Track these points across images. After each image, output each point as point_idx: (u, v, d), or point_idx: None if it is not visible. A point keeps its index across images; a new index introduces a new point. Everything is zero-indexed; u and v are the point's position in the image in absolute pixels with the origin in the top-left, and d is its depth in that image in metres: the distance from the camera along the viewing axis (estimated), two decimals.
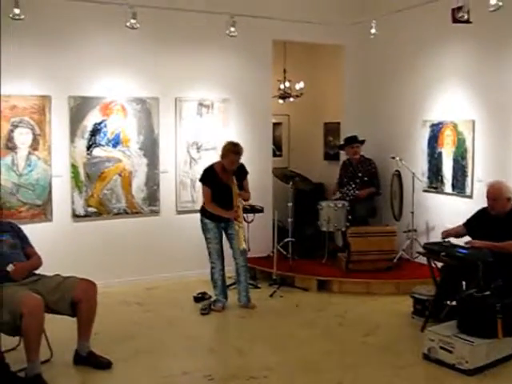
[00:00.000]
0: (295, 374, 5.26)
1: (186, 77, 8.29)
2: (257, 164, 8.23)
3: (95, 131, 7.73)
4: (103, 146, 7.79)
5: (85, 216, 7.74)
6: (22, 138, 7.29)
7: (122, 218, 7.99)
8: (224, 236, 7.13)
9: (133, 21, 7.11)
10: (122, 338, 6.04)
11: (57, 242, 7.39)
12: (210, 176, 6.94)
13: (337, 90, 10.01)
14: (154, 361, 5.50)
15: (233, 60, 8.57)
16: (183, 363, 5.45)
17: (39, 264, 5.45)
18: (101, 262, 7.67)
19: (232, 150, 6.86)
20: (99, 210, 7.83)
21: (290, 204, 8.19)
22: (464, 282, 6.07)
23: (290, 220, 8.22)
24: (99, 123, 7.75)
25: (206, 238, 7.02)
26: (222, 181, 6.89)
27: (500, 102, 7.27)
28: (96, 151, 7.76)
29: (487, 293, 5.46)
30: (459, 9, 6.70)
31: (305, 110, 11.18)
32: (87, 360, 5.28)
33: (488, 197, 6.18)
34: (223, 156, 6.90)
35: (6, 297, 4.85)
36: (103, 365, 5.26)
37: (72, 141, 7.60)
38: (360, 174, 8.78)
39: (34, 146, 7.37)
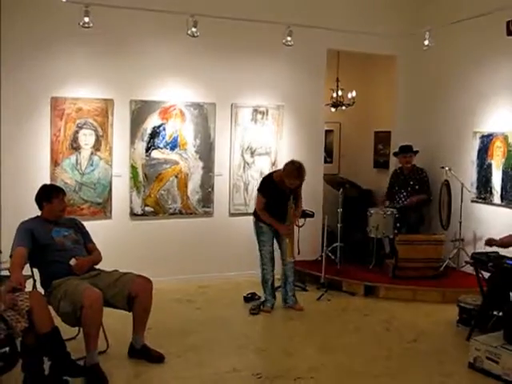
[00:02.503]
0: (341, 376, 5.23)
1: (242, 84, 8.34)
2: (308, 170, 8.12)
3: (154, 134, 7.83)
4: (161, 148, 7.89)
5: (142, 215, 7.84)
6: (86, 138, 7.45)
7: (177, 218, 8.08)
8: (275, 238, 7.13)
9: (194, 29, 7.16)
10: (174, 334, 6.11)
11: (115, 239, 7.49)
12: (267, 185, 6.92)
13: (388, 100, 9.94)
14: (204, 357, 5.54)
15: (288, 68, 8.59)
16: (232, 361, 5.47)
17: (99, 259, 5.56)
18: (156, 259, 7.75)
19: (295, 175, 6.69)
20: (156, 210, 7.93)
21: (339, 210, 8.14)
22: (511, 293, 5.96)
23: (339, 225, 8.17)
24: (158, 126, 7.85)
25: (260, 241, 7.03)
26: (280, 189, 6.86)
27: None
28: (154, 153, 7.86)
29: None
30: None
31: (356, 119, 11.11)
32: (141, 353, 5.36)
33: None
34: (284, 176, 6.73)
35: (68, 289, 4.97)
36: (156, 358, 5.33)
37: (132, 142, 7.72)
38: (411, 183, 8.70)
39: (97, 146, 7.51)
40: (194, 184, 8.11)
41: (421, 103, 9.35)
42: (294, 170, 6.72)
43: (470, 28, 7.96)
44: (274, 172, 7.14)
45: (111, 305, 5.24)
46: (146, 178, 7.82)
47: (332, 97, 10.44)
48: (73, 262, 5.23)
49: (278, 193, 6.86)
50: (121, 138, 7.67)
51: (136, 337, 5.38)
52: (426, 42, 7.74)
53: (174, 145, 7.96)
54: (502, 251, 6.31)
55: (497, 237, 6.59)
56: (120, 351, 5.46)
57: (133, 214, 7.79)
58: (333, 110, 10.55)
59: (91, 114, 7.44)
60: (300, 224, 7.58)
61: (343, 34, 8.65)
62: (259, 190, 7.01)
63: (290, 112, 8.66)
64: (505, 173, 7.83)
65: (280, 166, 7.87)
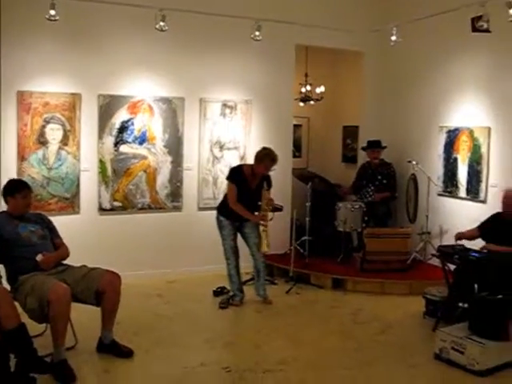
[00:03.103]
0: (309, 368, 5.24)
1: (210, 78, 8.30)
2: (277, 164, 8.17)
3: (122, 129, 7.75)
4: (130, 143, 7.82)
5: (110, 210, 7.77)
6: (53, 133, 7.34)
7: (146, 212, 8.01)
8: (239, 234, 7.13)
9: (162, 23, 7.13)
10: (143, 329, 6.07)
11: (83, 234, 7.41)
12: (237, 176, 6.91)
13: (356, 95, 9.98)
14: (173, 352, 5.51)
15: (256, 63, 8.57)
16: (202, 355, 5.45)
17: (67, 255, 5.48)
18: (124, 254, 7.68)
19: (270, 156, 6.81)
20: (124, 205, 7.86)
21: (308, 204, 8.16)
22: (476, 285, 6.02)
23: (307, 219, 8.19)
24: (127, 121, 7.78)
25: (221, 235, 7.03)
26: (249, 184, 6.88)
27: None
28: (123, 148, 7.78)
29: (499, 296, 5.41)
30: (479, 18, 6.66)
31: (324, 113, 11.14)
32: (110, 348, 5.31)
33: (504, 202, 6.13)
34: (259, 161, 6.82)
35: (34, 285, 4.90)
36: (125, 353, 5.29)
37: (100, 137, 7.63)
38: (379, 177, 8.75)
39: (64, 141, 7.41)
40: (162, 178, 8.05)
41: (388, 98, 9.40)
42: (269, 153, 6.84)
43: (436, 24, 8.02)
44: (244, 165, 7.13)
45: (79, 300, 5.18)
46: (114, 172, 7.75)
47: (301, 92, 10.44)
48: (39, 257, 5.15)
49: (247, 187, 6.86)
50: (89, 133, 7.58)
51: (105, 332, 5.33)
52: (394, 38, 7.79)
53: (142, 139, 7.89)
54: (468, 244, 6.38)
55: (463, 230, 6.69)
56: (88, 347, 5.40)
57: (101, 209, 7.71)
58: (301, 104, 10.55)
59: (59, 109, 7.34)
60: (269, 218, 7.55)
61: (312, 29, 8.67)
62: (229, 177, 6.96)
63: (259, 107, 8.65)
64: (470, 167, 7.90)
65: (249, 160, 7.91)
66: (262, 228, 6.87)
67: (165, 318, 6.48)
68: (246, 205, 6.83)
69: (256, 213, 6.92)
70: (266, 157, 6.83)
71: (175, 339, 5.85)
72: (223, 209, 7.01)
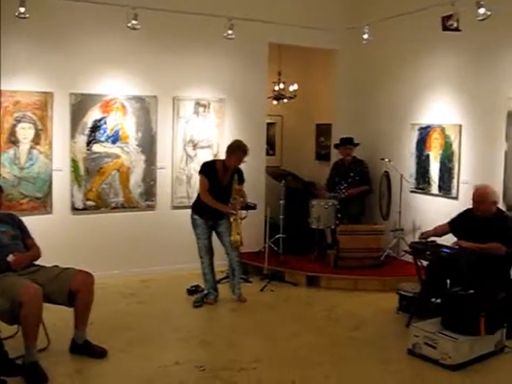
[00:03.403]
0: (284, 366, 5.24)
1: (183, 77, 8.26)
2: (250, 162, 8.12)
3: (95, 128, 7.68)
4: (103, 142, 7.75)
5: (83, 209, 7.70)
6: (25, 132, 7.25)
7: (120, 212, 7.95)
8: (214, 233, 7.11)
9: (134, 22, 7.07)
10: (116, 329, 6.01)
11: (56, 234, 7.34)
12: (209, 169, 6.89)
13: (329, 93, 9.99)
14: (147, 351, 5.47)
15: (229, 61, 8.55)
16: (176, 354, 5.43)
17: (38, 255, 5.41)
18: (98, 254, 7.63)
19: (241, 147, 6.83)
20: (97, 204, 7.79)
21: (281, 201, 8.18)
22: (448, 281, 6.06)
23: (281, 217, 8.20)
24: (99, 120, 7.71)
25: (196, 234, 6.99)
26: (220, 179, 6.87)
27: (486, 108, 7.29)
28: (95, 147, 7.71)
29: (471, 291, 5.46)
30: (449, 17, 6.72)
31: (298, 111, 11.15)
32: (83, 349, 5.25)
33: (474, 199, 6.16)
34: (231, 152, 6.83)
35: (5, 286, 4.83)
36: (98, 354, 5.23)
37: (72, 136, 7.56)
38: (352, 174, 8.77)
39: (36, 140, 7.32)
40: (136, 177, 8.00)
41: (361, 96, 9.43)
42: (240, 144, 6.87)
43: (407, 23, 8.04)
44: (216, 160, 7.12)
45: (51, 301, 5.11)
46: (87, 171, 7.67)
47: (274, 90, 10.44)
48: (10, 258, 5.08)
49: (219, 182, 6.85)
50: (61, 132, 7.49)
51: (78, 332, 5.27)
52: (366, 36, 7.82)
53: (115, 138, 7.83)
54: (439, 240, 6.41)
55: (434, 226, 6.72)
56: (61, 348, 5.32)
57: (74, 209, 7.64)
58: (275, 102, 10.56)
59: (30, 108, 7.25)
60: (242, 216, 7.54)
61: (284, 27, 8.66)
62: (201, 171, 6.92)
63: (232, 105, 8.63)
64: (442, 164, 7.97)
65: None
66: (232, 218, 6.85)
67: (139, 318, 6.43)
68: (218, 199, 6.81)
69: None
70: (237, 148, 6.83)
71: (149, 338, 5.80)
72: (197, 207, 6.98)
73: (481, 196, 6.10)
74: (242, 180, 6.99)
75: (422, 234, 6.53)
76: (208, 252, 7.02)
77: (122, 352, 5.40)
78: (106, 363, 5.17)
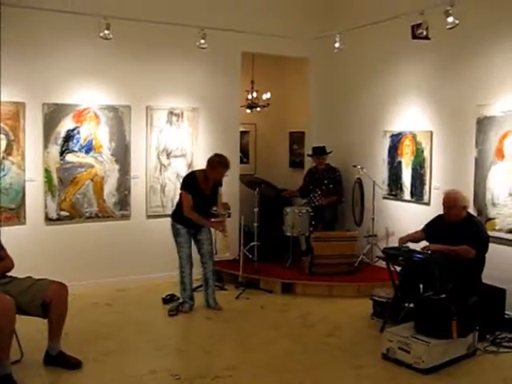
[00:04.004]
0: (259, 373, 5.23)
1: (157, 86, 8.25)
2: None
3: (68, 137, 7.62)
4: (76, 152, 7.69)
5: (57, 219, 7.63)
6: None
7: (94, 221, 7.89)
8: (193, 241, 7.09)
9: (106, 31, 7.08)
10: (91, 339, 5.95)
11: (30, 245, 7.26)
12: (191, 184, 6.87)
13: (302, 101, 10.04)
14: (122, 361, 5.44)
15: (203, 71, 8.55)
16: (151, 363, 5.39)
17: (11, 266, 5.32)
18: (72, 264, 7.57)
19: (223, 163, 6.85)
20: (71, 214, 7.72)
21: (256, 209, 8.19)
22: (421, 285, 6.10)
23: (255, 225, 8.21)
24: (72, 130, 7.65)
25: (178, 243, 6.95)
26: (203, 189, 6.86)
27: (456, 115, 7.37)
28: (69, 157, 7.65)
29: (443, 296, 5.50)
30: (418, 26, 6.79)
31: (271, 120, 11.19)
32: (57, 360, 5.19)
33: (444, 205, 6.22)
34: (212, 168, 6.83)
35: None
36: (73, 365, 5.18)
37: (45, 146, 7.49)
38: (325, 182, 8.80)
39: (8, 151, 7.24)
40: (110, 187, 7.95)
41: (333, 104, 9.49)
42: (221, 160, 6.87)
43: (378, 31, 8.13)
44: (196, 171, 7.11)
45: (25, 312, 5.03)
46: (60, 182, 7.61)
47: (247, 98, 10.47)
48: None
49: (201, 193, 6.84)
50: (33, 142, 7.42)
51: (52, 343, 5.21)
52: (337, 45, 7.87)
53: (88, 148, 7.78)
54: (412, 245, 6.46)
55: (408, 231, 6.77)
56: (35, 359, 5.25)
57: (48, 219, 7.57)
58: (248, 111, 10.58)
59: (1, 118, 7.16)
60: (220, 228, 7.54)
61: (257, 36, 8.71)
62: (183, 187, 6.91)
63: (206, 114, 8.63)
64: (414, 170, 8.03)
65: (197, 167, 7.91)
66: (223, 234, 6.91)
67: (114, 327, 6.38)
68: (201, 210, 6.82)
69: (212, 219, 6.97)
70: (219, 164, 6.84)
71: (125, 348, 5.76)
72: (179, 217, 6.94)
73: (451, 201, 6.16)
74: (220, 183, 7.02)
75: (401, 239, 6.57)
76: (189, 261, 7.00)
77: (96, 362, 5.36)
78: (80, 374, 5.11)
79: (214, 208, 6.99)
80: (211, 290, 7.13)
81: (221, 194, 6.96)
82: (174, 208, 7.22)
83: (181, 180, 7.37)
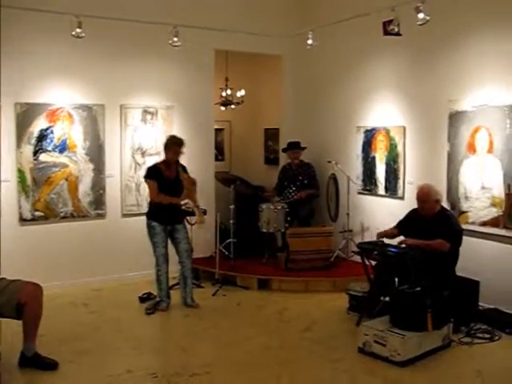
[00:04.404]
0: (236, 369, 5.22)
1: (130, 85, 8.18)
2: (199, 168, 8.18)
3: (42, 137, 7.53)
4: (50, 151, 7.60)
5: (32, 220, 7.54)
6: None
7: (69, 221, 7.81)
8: (170, 240, 7.06)
9: (78, 30, 7.02)
10: (67, 339, 5.89)
11: (4, 246, 7.10)
12: (154, 172, 6.87)
13: (276, 98, 10.02)
14: (99, 360, 5.39)
15: (176, 68, 8.50)
16: (128, 362, 5.35)
17: None
18: (48, 264, 7.49)
19: (176, 141, 6.93)
20: (46, 214, 7.64)
21: (231, 206, 8.17)
22: (396, 279, 6.13)
23: (231, 222, 8.18)
24: (46, 129, 7.56)
25: (154, 243, 6.91)
26: (167, 176, 6.86)
27: (428, 110, 7.41)
28: (42, 156, 7.56)
29: (418, 289, 5.53)
30: (390, 22, 6.81)
31: (246, 117, 11.16)
32: (33, 362, 5.12)
33: (417, 199, 6.26)
34: (167, 148, 6.90)
35: None
36: (49, 366, 5.12)
37: (18, 146, 7.40)
38: (300, 177, 8.81)
39: None
40: (84, 186, 7.88)
41: (307, 100, 9.49)
42: (172, 139, 7.01)
43: (350, 28, 8.17)
44: (157, 162, 7.11)
45: None
46: (34, 181, 7.51)
47: (221, 96, 10.41)
48: None
49: (167, 180, 6.84)
50: (6, 142, 7.32)
51: (27, 345, 5.14)
52: (310, 42, 7.89)
53: (62, 147, 7.70)
54: (387, 239, 6.48)
55: (383, 226, 6.81)
56: (10, 362, 5.17)
57: (22, 220, 7.47)
58: (222, 108, 10.53)
59: None
60: (192, 222, 7.52)
61: (230, 34, 8.69)
62: (146, 176, 6.92)
63: (180, 112, 8.58)
64: (388, 165, 8.06)
65: None
66: (192, 206, 6.97)
67: (90, 327, 6.32)
68: (171, 196, 6.83)
69: (187, 217, 7.11)
70: (173, 143, 6.91)
71: (101, 348, 5.72)
72: (153, 213, 6.91)
73: (424, 195, 6.20)
74: (185, 170, 7.04)
75: (378, 234, 6.58)
76: (165, 260, 6.97)
77: (73, 363, 5.30)
78: (56, 375, 5.06)
79: (184, 202, 7.01)
80: (189, 288, 7.11)
81: (187, 178, 6.98)
82: (148, 207, 7.16)
83: None
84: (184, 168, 7.04)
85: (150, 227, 6.91)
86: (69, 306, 7.08)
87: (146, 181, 6.96)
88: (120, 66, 8.06)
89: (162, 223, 6.87)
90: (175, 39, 7.66)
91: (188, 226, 7.18)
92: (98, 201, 7.99)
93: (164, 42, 7.72)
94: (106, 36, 7.82)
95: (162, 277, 6.96)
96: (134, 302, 7.22)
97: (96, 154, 7.93)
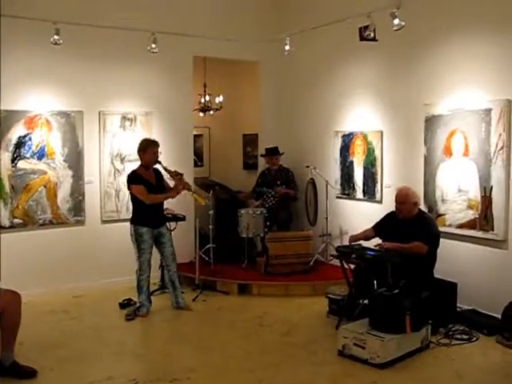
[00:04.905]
0: (217, 374, 5.20)
1: (109, 91, 8.13)
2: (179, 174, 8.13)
3: (20, 144, 7.45)
4: (28, 158, 7.52)
5: (10, 227, 7.43)
6: None
7: (48, 228, 7.73)
8: (155, 245, 7.05)
9: (56, 37, 6.98)
10: (47, 347, 5.82)
11: None
12: (136, 178, 6.84)
13: (254, 103, 10.03)
14: (79, 368, 5.33)
15: (155, 75, 8.46)
16: (108, 369, 5.29)
17: None
18: (28, 272, 7.38)
19: (150, 142, 6.98)
20: (25, 221, 7.55)
21: (210, 212, 8.14)
22: (375, 282, 6.14)
23: (210, 227, 8.16)
24: (24, 136, 7.48)
25: (140, 249, 6.84)
26: (149, 181, 6.85)
27: (405, 114, 7.45)
28: (21, 163, 7.48)
29: (396, 291, 5.54)
30: (366, 28, 6.83)
31: (224, 123, 11.16)
32: (11, 371, 5.02)
33: (396, 201, 6.29)
34: (144, 151, 6.91)
35: None
36: (28, 374, 5.03)
37: None
38: (279, 182, 8.82)
39: None
40: (63, 193, 7.80)
41: (285, 106, 9.51)
42: (146, 141, 7.07)
43: (327, 33, 8.19)
44: (134, 169, 7.05)
45: None
46: (13, 189, 7.42)
47: (200, 102, 10.41)
48: None
49: (148, 183, 6.83)
50: None
51: (5, 354, 5.05)
52: (287, 48, 7.88)
53: (41, 154, 7.62)
54: (365, 243, 6.50)
55: (361, 230, 6.82)
56: None
57: (0, 227, 7.36)
58: (201, 114, 10.53)
59: None
60: (172, 228, 7.49)
61: (208, 40, 8.66)
62: (130, 181, 6.87)
63: (159, 118, 8.54)
64: (366, 169, 8.08)
65: None
66: (189, 192, 7.06)
67: (71, 334, 6.26)
68: (156, 203, 6.85)
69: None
70: (149, 144, 6.95)
71: (82, 355, 5.65)
72: (139, 217, 6.86)
73: (402, 197, 6.24)
74: (161, 176, 7.08)
75: (351, 237, 6.61)
76: (149, 266, 6.95)
77: (52, 371, 5.23)
78: (35, 383, 4.99)
79: (166, 207, 7.11)
80: (178, 290, 7.12)
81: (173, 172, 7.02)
82: (131, 214, 7.09)
83: None
84: (161, 174, 7.05)
85: (137, 234, 6.84)
86: (48, 313, 6.99)
87: (130, 187, 6.89)
88: (98, 72, 8.00)
89: (150, 227, 6.84)
90: (153, 46, 7.64)
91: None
92: (77, 207, 7.92)
93: (142, 48, 7.68)
94: (84, 43, 7.76)
95: (143, 282, 6.91)
96: (115, 308, 7.15)
97: (75, 160, 7.86)
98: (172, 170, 7.01)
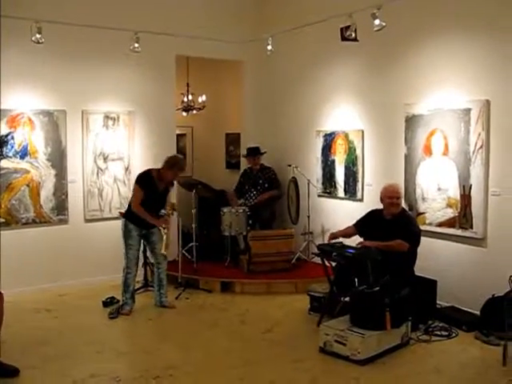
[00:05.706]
0: (199, 371, 5.20)
1: (92, 90, 8.09)
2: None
3: (2, 143, 7.39)
4: (10, 157, 7.47)
5: None
6: None
7: (31, 227, 7.68)
8: (144, 242, 7.08)
9: (38, 35, 6.94)
10: (31, 345, 5.78)
11: None
12: (145, 179, 6.79)
13: (237, 103, 10.04)
14: (62, 366, 5.30)
15: (137, 74, 8.43)
16: (91, 367, 5.27)
17: None
18: (11, 271, 7.27)
19: (179, 164, 6.87)
20: (7, 220, 7.49)
21: (193, 210, 8.13)
22: (356, 279, 6.16)
23: (193, 225, 8.15)
24: (6, 135, 7.43)
25: (127, 244, 6.82)
26: (156, 188, 6.81)
27: (385, 113, 7.49)
28: (3, 163, 7.42)
29: (376, 289, 5.57)
30: (347, 28, 6.85)
31: (207, 122, 11.15)
32: None
33: (390, 197, 6.30)
34: (169, 167, 6.78)
35: None
36: (10, 372, 5.00)
37: None
38: (261, 181, 8.84)
39: None
40: (46, 192, 7.75)
41: (268, 105, 9.51)
42: (179, 161, 6.92)
43: (309, 33, 8.21)
44: (151, 170, 6.98)
45: None
46: None
47: (183, 101, 10.40)
48: None
49: (155, 191, 6.79)
50: None
51: None
52: (269, 48, 7.91)
53: (23, 153, 7.57)
54: (346, 241, 6.53)
55: (342, 228, 6.84)
56: None
57: None
58: (184, 114, 10.51)
59: None
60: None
61: (191, 40, 8.66)
62: (138, 182, 6.81)
63: (142, 117, 8.51)
64: (347, 168, 8.11)
65: (134, 170, 7.95)
66: (163, 231, 6.78)
67: (54, 333, 6.21)
68: (151, 209, 6.75)
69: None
70: (176, 165, 6.83)
71: (64, 353, 5.62)
72: (132, 215, 6.83)
73: (398, 192, 6.36)
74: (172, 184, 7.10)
75: (331, 234, 6.64)
76: (136, 263, 6.94)
77: (35, 369, 5.20)
78: (18, 382, 4.96)
79: (163, 211, 6.96)
80: (164, 289, 7.12)
81: (170, 195, 7.01)
82: (126, 207, 7.08)
83: (127, 181, 7.51)
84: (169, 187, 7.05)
85: (126, 228, 6.83)
86: (31, 311, 6.95)
87: (135, 186, 6.86)
88: (81, 71, 7.96)
89: (139, 226, 6.81)
90: (136, 45, 7.64)
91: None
92: (61, 206, 7.88)
93: (125, 47, 7.68)
94: (66, 41, 7.72)
95: (129, 279, 6.89)
96: (98, 306, 7.12)
97: (58, 159, 7.82)
98: (173, 201, 7.01)
